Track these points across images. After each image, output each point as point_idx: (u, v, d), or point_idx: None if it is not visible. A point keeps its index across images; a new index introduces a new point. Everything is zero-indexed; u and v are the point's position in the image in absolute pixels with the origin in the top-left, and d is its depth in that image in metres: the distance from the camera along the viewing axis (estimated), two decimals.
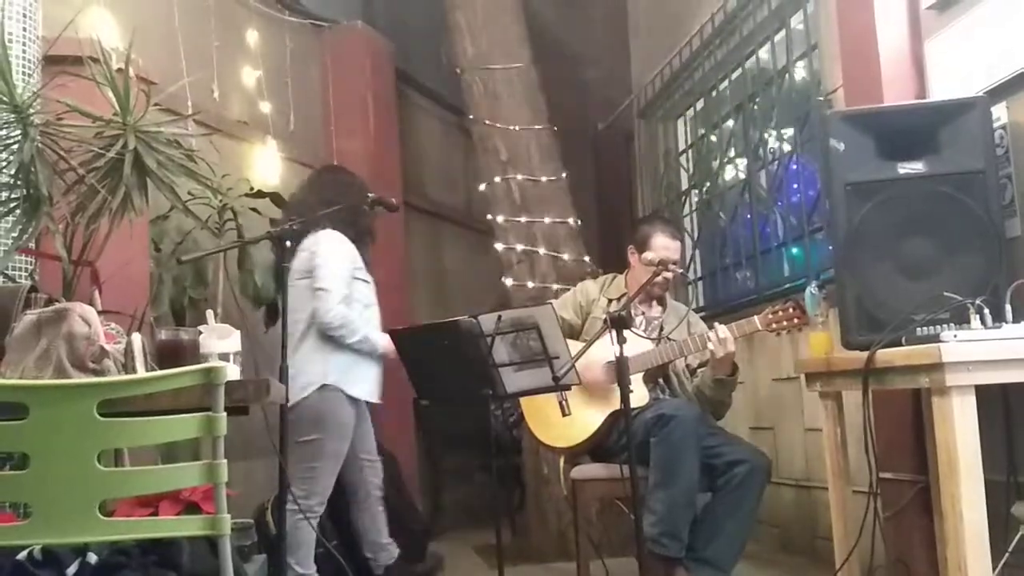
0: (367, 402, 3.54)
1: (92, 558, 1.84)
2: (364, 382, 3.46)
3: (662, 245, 3.41)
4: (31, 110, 2.73)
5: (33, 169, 2.68)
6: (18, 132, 2.71)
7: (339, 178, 3.66)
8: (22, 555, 1.80)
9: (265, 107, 4.71)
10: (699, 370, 3.40)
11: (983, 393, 2.34)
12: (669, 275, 3.39)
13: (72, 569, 1.82)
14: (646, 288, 3.27)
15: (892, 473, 3.07)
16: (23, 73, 3.01)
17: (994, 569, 2.34)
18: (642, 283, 3.29)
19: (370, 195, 3.54)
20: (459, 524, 5.08)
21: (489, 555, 4.47)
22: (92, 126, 2.81)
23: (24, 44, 3.06)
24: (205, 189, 3.17)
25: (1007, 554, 2.57)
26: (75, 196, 2.80)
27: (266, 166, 4.57)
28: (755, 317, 3.18)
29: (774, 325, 3.16)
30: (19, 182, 2.73)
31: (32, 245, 2.92)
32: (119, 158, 2.73)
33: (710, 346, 3.13)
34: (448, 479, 5.64)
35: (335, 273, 3.34)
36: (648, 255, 3.39)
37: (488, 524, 3.64)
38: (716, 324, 3.17)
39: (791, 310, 3.15)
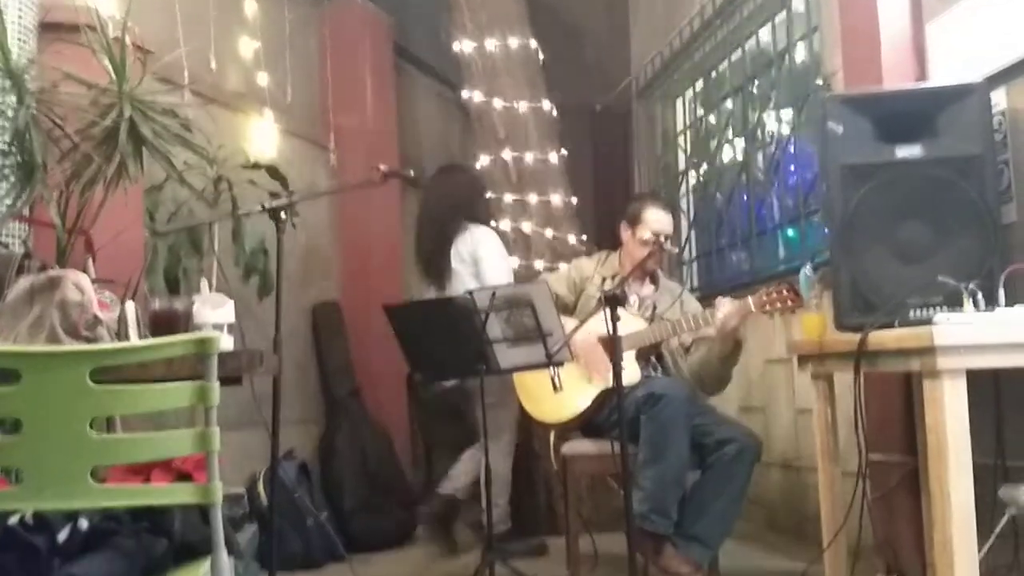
0: None
1: (83, 524, 1.84)
2: None
3: (654, 218, 3.44)
4: (26, 76, 2.71)
5: (28, 136, 2.66)
6: (13, 98, 2.69)
7: (465, 178, 4.29)
8: (14, 520, 1.81)
9: (262, 79, 4.68)
10: (693, 347, 3.41)
11: (973, 377, 2.35)
12: (657, 248, 3.40)
13: (63, 534, 1.82)
14: (641, 265, 3.29)
15: (881, 455, 3.09)
16: (18, 39, 2.99)
17: (980, 551, 2.36)
18: (635, 259, 3.30)
19: (382, 167, 3.53)
20: None
21: (479, 529, 4.49)
22: (87, 94, 2.78)
23: (20, 10, 3.03)
24: (201, 159, 3.15)
25: (993, 536, 2.59)
26: (70, 164, 2.78)
27: (263, 138, 4.55)
28: (749, 298, 3.19)
29: (768, 307, 3.17)
30: (13, 149, 2.71)
31: (26, 212, 2.91)
32: (114, 126, 2.71)
33: (710, 330, 3.14)
34: (440, 453, 5.66)
35: (504, 269, 3.99)
36: (641, 230, 3.41)
37: (478, 499, 3.66)
38: (719, 298, 3.18)
39: (785, 292, 3.16)
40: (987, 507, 2.58)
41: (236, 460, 3.84)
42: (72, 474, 1.63)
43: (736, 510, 3.16)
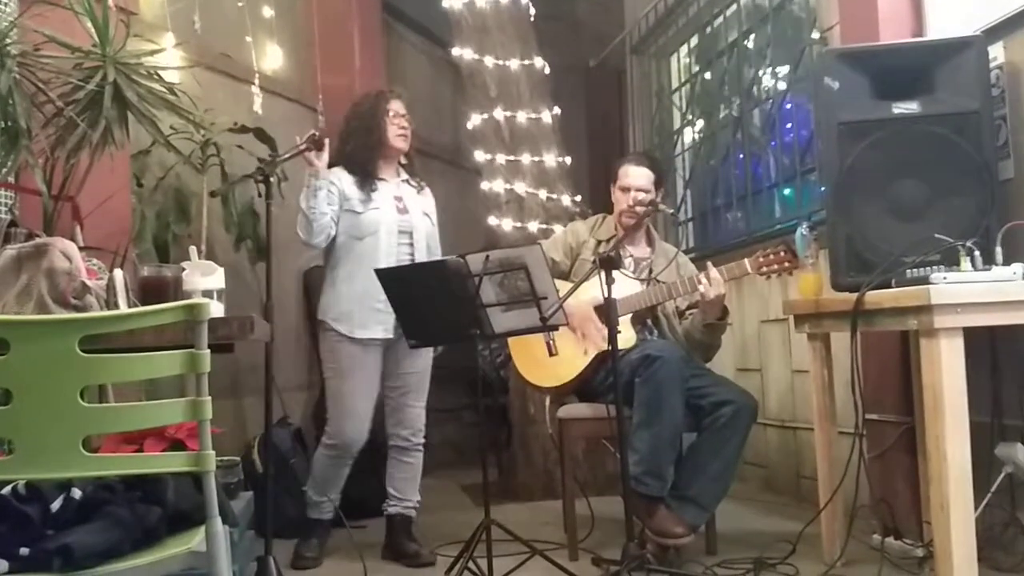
0: None
1: (76, 493, 1.83)
2: None
3: (624, 172, 3.44)
4: (8, 40, 2.66)
5: (11, 101, 2.61)
6: None
7: None
8: (6, 490, 1.79)
9: (248, 40, 4.60)
10: (688, 312, 3.40)
11: (970, 335, 2.34)
12: (631, 201, 3.38)
13: (56, 504, 1.80)
14: (620, 220, 3.29)
15: (878, 414, 3.09)
16: (0, 2, 2.93)
17: (977, 509, 2.36)
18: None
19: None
20: (446, 463, 5.11)
21: (476, 493, 4.51)
22: (71, 57, 2.74)
23: None
24: (187, 123, 3.11)
25: (990, 494, 2.61)
26: (54, 129, 2.74)
27: (250, 100, 4.48)
28: (746, 260, 3.18)
29: (765, 269, 3.15)
30: None
31: (12, 179, 2.87)
32: (99, 90, 2.66)
33: (701, 288, 3.12)
34: (436, 418, 5.64)
35: None
36: (618, 186, 3.41)
37: (475, 463, 3.65)
38: (708, 264, 3.17)
39: (782, 253, 3.14)
40: (983, 465, 2.58)
41: (231, 427, 3.83)
42: (64, 443, 1.61)
43: (732, 472, 3.16)
